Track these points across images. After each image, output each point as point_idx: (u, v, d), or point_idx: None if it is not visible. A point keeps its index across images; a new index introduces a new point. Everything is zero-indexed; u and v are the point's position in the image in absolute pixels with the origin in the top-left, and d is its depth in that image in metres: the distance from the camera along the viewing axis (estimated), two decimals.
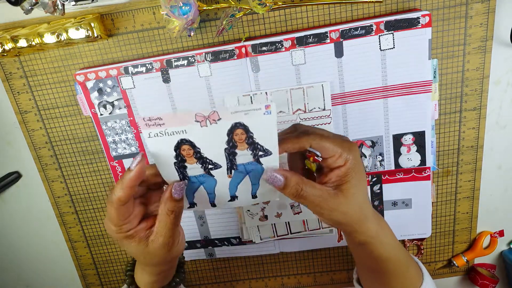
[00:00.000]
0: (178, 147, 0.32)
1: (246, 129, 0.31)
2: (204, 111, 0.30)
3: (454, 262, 0.57)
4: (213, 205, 0.37)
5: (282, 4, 0.44)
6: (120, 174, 0.53)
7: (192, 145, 0.32)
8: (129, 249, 0.37)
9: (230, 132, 0.31)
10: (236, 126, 0.31)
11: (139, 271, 0.42)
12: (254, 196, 0.37)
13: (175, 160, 0.33)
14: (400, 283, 0.41)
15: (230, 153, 0.33)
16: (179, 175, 0.34)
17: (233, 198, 0.37)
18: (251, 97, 0.48)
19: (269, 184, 0.34)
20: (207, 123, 0.31)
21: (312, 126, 0.37)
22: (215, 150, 0.33)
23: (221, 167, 0.34)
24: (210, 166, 0.34)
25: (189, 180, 0.35)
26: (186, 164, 0.34)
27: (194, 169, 0.34)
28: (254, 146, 0.32)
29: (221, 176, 0.35)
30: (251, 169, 0.34)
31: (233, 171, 0.34)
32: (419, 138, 0.49)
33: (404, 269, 0.41)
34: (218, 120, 0.31)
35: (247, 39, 0.47)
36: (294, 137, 0.34)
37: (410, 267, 0.41)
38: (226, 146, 0.32)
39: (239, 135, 0.32)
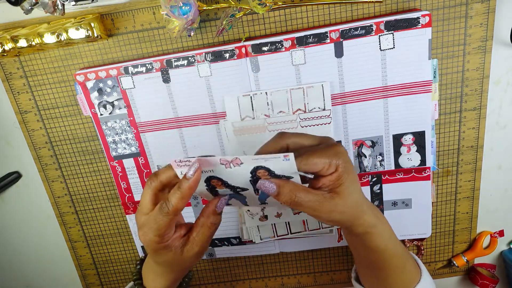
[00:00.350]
0: (208, 180, 0.35)
1: (268, 169, 0.33)
2: (227, 157, 0.33)
3: (454, 262, 0.57)
4: (246, 204, 0.40)
5: (282, 4, 0.44)
6: (120, 174, 0.53)
7: (220, 179, 0.35)
8: (162, 258, 0.38)
9: (254, 171, 0.34)
10: (258, 168, 0.33)
11: (151, 277, 0.42)
12: None
13: (207, 187, 0.36)
14: (398, 278, 0.41)
15: (255, 182, 0.35)
16: (212, 194, 0.38)
17: (263, 202, 0.40)
18: (251, 97, 0.48)
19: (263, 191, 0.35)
20: (231, 166, 0.33)
21: (296, 135, 0.37)
22: (241, 181, 0.35)
23: (248, 189, 0.36)
24: (238, 189, 0.36)
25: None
26: (217, 189, 0.37)
27: (224, 191, 0.37)
28: (276, 177, 0.35)
29: (249, 194, 0.37)
30: None
31: (259, 190, 0.36)
32: (419, 138, 0.49)
33: (402, 263, 0.41)
34: (241, 164, 0.33)
35: (247, 39, 0.47)
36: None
37: (407, 261, 0.42)
38: (251, 179, 0.35)
39: (261, 172, 0.34)
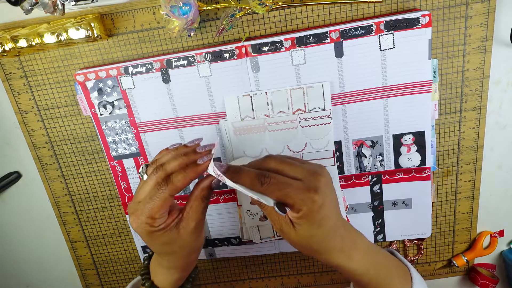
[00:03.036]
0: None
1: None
2: (227, 181, 0.35)
3: (454, 262, 0.57)
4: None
5: (282, 4, 0.44)
6: (120, 174, 0.53)
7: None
8: (159, 241, 0.37)
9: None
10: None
11: (159, 271, 0.42)
12: None
13: None
14: None
15: None
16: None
17: None
18: (251, 97, 0.48)
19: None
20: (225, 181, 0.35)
21: (282, 161, 0.36)
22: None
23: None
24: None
25: None
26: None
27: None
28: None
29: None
30: None
31: None
32: (419, 138, 0.49)
33: (387, 282, 0.40)
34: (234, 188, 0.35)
35: (247, 39, 0.47)
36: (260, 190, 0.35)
37: (394, 278, 0.40)
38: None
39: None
